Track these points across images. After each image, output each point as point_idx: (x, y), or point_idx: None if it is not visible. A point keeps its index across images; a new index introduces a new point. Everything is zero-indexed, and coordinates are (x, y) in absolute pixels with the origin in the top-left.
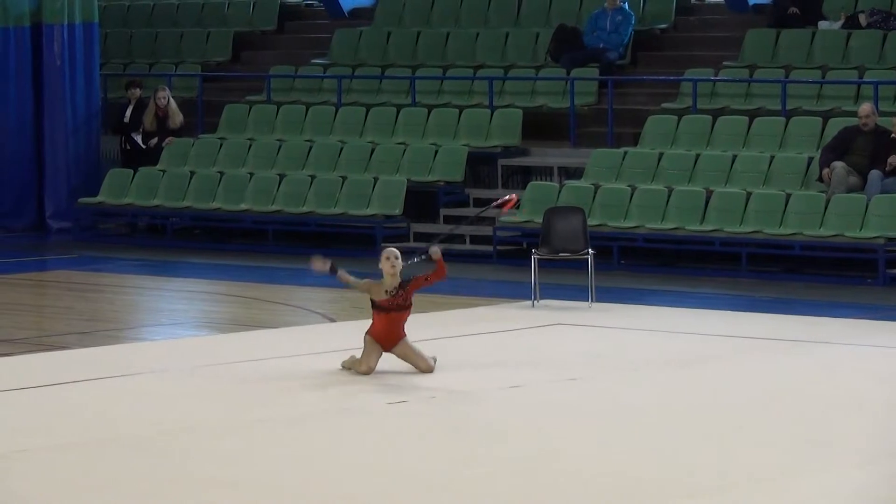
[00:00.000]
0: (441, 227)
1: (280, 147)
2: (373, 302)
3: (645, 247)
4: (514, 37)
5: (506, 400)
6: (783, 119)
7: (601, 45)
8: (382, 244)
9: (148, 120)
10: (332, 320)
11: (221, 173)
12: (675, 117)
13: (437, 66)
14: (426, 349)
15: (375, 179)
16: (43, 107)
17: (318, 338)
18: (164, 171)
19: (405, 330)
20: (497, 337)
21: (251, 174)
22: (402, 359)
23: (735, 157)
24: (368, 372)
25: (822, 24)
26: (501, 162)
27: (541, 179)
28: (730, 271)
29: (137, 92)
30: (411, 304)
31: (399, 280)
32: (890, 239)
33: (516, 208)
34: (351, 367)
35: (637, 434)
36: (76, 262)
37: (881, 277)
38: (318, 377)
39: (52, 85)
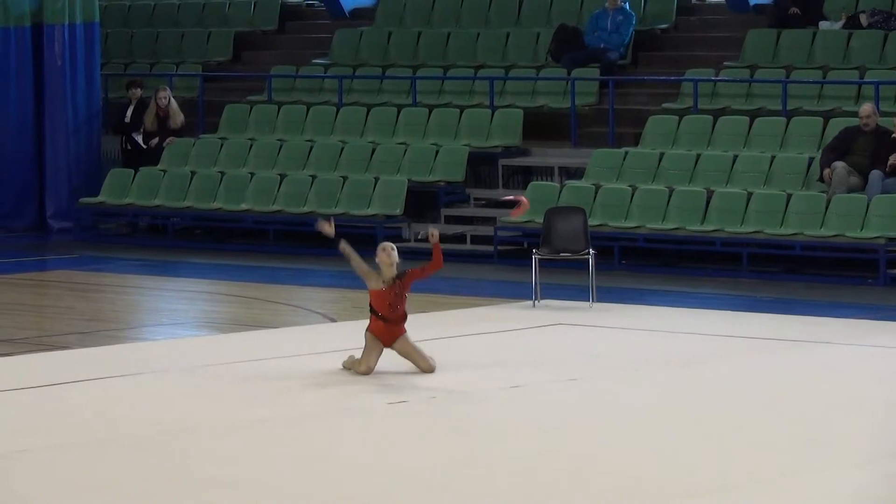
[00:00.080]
0: (443, 228)
1: (281, 147)
2: (371, 308)
3: (646, 247)
4: (514, 37)
5: (506, 400)
6: (784, 119)
7: (602, 45)
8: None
9: (149, 120)
10: (333, 320)
11: (222, 173)
12: (676, 117)
13: (437, 66)
14: (426, 349)
15: (376, 179)
16: (44, 107)
17: (318, 338)
18: (164, 171)
19: (405, 326)
20: (498, 337)
21: (252, 174)
22: (403, 356)
23: (736, 157)
24: (368, 372)
25: (823, 25)
26: (502, 162)
27: (541, 179)
28: (730, 271)
29: (138, 92)
30: (406, 313)
31: (396, 272)
32: (891, 239)
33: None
34: (350, 367)
35: (637, 434)
36: (77, 262)
37: (882, 277)
38: (318, 377)
39: (52, 85)
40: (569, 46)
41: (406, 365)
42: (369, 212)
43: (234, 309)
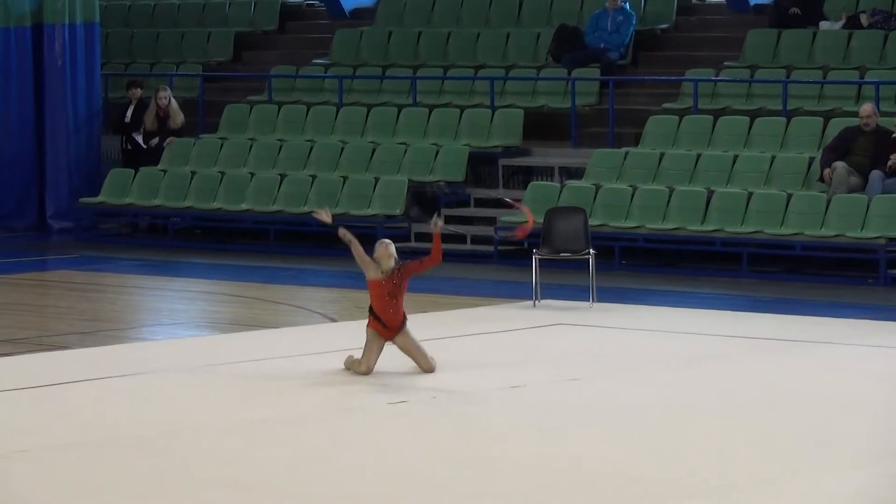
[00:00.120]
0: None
1: (281, 147)
2: (371, 311)
3: (646, 247)
4: (515, 37)
5: (507, 400)
6: (784, 119)
7: (602, 45)
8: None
9: (149, 120)
10: (333, 320)
11: (222, 173)
12: (677, 117)
13: (438, 66)
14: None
15: (376, 179)
16: (44, 107)
17: (318, 338)
18: (165, 171)
19: (406, 315)
20: (498, 337)
21: (252, 174)
22: (404, 351)
23: (736, 157)
24: (368, 372)
25: (823, 25)
26: (502, 162)
27: (542, 179)
28: (731, 271)
29: (138, 92)
30: (405, 317)
31: (394, 265)
32: (891, 239)
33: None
34: (351, 367)
35: (637, 434)
36: (77, 262)
37: (882, 278)
38: (318, 377)
39: (53, 85)
40: (569, 46)
41: (406, 365)
42: (369, 212)
43: (235, 309)
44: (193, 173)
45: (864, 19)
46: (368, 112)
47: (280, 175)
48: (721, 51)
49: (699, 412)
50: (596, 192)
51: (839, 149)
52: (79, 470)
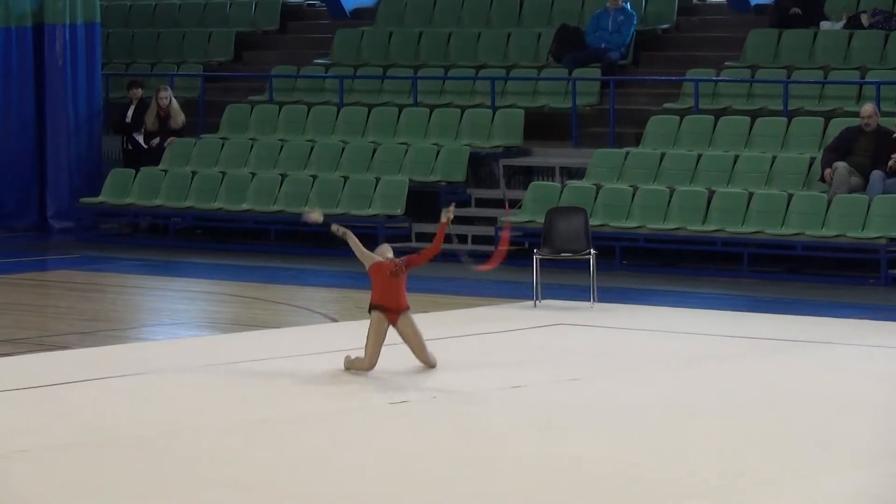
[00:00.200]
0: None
1: (282, 147)
2: (372, 305)
3: (647, 247)
4: (515, 37)
5: (507, 400)
6: (785, 119)
7: (603, 45)
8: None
9: (150, 120)
10: (334, 320)
11: (223, 173)
12: (677, 117)
13: (438, 66)
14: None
15: (377, 179)
16: (45, 107)
17: (319, 338)
18: (165, 171)
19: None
20: (498, 337)
21: (253, 174)
22: (404, 339)
23: (737, 157)
24: (371, 366)
25: (824, 25)
26: (503, 162)
27: (543, 180)
28: (731, 271)
29: (139, 92)
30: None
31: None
32: (892, 239)
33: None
34: (352, 366)
35: (638, 434)
36: (78, 262)
37: (883, 278)
38: (319, 377)
39: (53, 85)
40: (570, 46)
41: (407, 364)
42: (370, 212)
43: (235, 309)
44: (194, 173)
45: (864, 19)
46: (369, 112)
47: (281, 175)
48: (722, 51)
49: (699, 412)
50: (597, 192)
51: (840, 149)
52: (79, 470)
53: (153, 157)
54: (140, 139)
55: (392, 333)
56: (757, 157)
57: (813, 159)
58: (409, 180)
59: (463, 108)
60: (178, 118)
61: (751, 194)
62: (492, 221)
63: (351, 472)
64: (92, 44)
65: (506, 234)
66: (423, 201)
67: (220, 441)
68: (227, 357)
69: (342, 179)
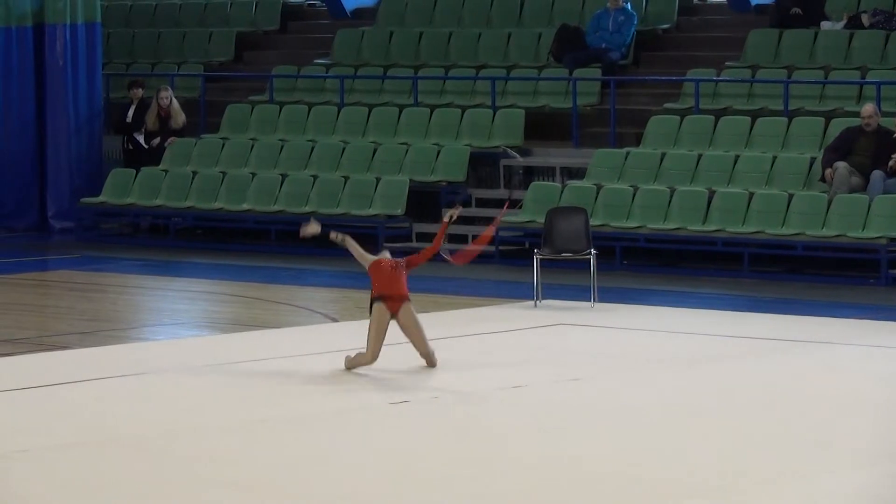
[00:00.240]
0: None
1: (282, 147)
2: (373, 298)
3: (647, 247)
4: (516, 37)
5: (508, 400)
6: (785, 119)
7: (603, 46)
8: (384, 245)
9: (150, 120)
10: (335, 320)
11: (224, 173)
12: (678, 117)
13: (439, 66)
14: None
15: (378, 179)
16: (45, 107)
17: (320, 338)
18: (166, 171)
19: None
20: (499, 337)
21: (253, 174)
22: (405, 331)
23: (737, 157)
24: (373, 359)
25: (825, 25)
26: (504, 162)
27: (543, 180)
28: (732, 271)
29: (140, 92)
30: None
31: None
32: (892, 239)
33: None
34: (353, 365)
35: (638, 434)
36: (78, 262)
37: (883, 278)
38: (319, 377)
39: (54, 85)
40: (570, 46)
41: (408, 364)
42: (371, 212)
43: (236, 309)
44: (195, 173)
45: (865, 19)
46: (370, 112)
47: (281, 175)
48: (722, 51)
49: (699, 412)
50: (597, 192)
51: (840, 149)
52: (79, 470)
53: (154, 157)
54: (141, 139)
55: (392, 334)
56: (757, 157)
57: (813, 159)
58: (410, 180)
59: (463, 108)
60: (179, 118)
61: (751, 194)
62: (492, 221)
63: (351, 472)
64: (92, 44)
65: (489, 232)
66: (424, 201)
67: (220, 441)
68: (228, 357)
69: (343, 179)
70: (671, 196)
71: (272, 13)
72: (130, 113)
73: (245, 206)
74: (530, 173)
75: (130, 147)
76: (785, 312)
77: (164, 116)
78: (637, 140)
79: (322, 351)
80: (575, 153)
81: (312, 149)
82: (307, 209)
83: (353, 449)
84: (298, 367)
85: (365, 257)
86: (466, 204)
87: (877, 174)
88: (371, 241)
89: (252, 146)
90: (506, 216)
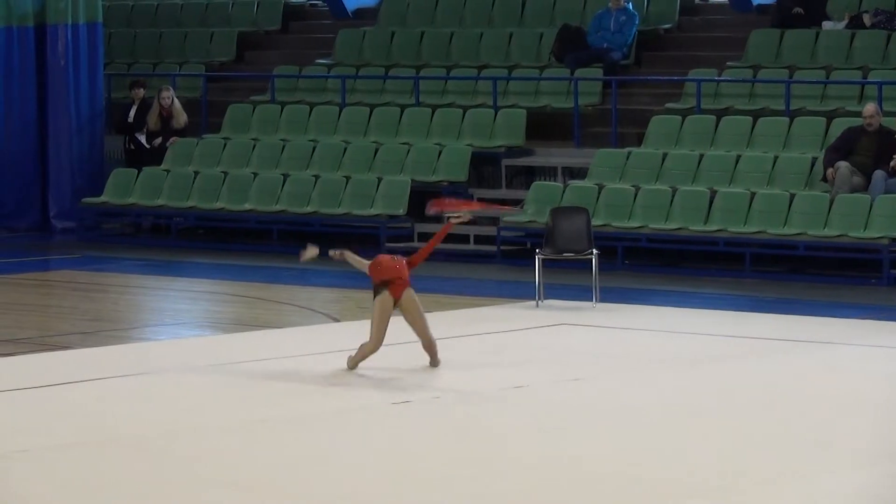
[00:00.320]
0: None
1: (284, 147)
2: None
3: (649, 247)
4: (517, 37)
5: (509, 400)
6: (787, 119)
7: (605, 45)
8: (386, 244)
9: (152, 120)
10: (336, 320)
11: (225, 173)
12: (679, 117)
13: (440, 66)
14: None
15: (379, 179)
16: (47, 107)
17: (321, 338)
18: (168, 171)
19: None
20: (501, 337)
21: (255, 174)
22: (408, 316)
23: (739, 157)
24: (376, 347)
25: (826, 25)
26: (505, 162)
27: (545, 179)
28: (733, 271)
29: (141, 92)
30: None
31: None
32: (894, 239)
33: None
34: (358, 359)
35: (638, 434)
36: (80, 262)
37: (885, 278)
38: (321, 377)
39: (55, 85)
40: (572, 46)
41: (410, 364)
42: (372, 212)
43: (238, 309)
44: (196, 173)
45: (866, 19)
46: (371, 112)
47: (283, 175)
48: (724, 51)
49: (700, 412)
50: (599, 192)
51: (842, 149)
52: (79, 470)
53: (155, 156)
54: (142, 139)
55: (392, 334)
56: (759, 156)
57: (815, 159)
58: (411, 180)
59: (465, 108)
60: (181, 118)
61: (753, 194)
62: (494, 222)
63: (351, 472)
64: (94, 44)
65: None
66: (426, 201)
67: (220, 441)
68: (229, 357)
69: (344, 179)
70: (673, 196)
71: (274, 13)
72: (132, 113)
73: (247, 206)
74: (532, 173)
75: (132, 147)
76: (786, 312)
77: (166, 116)
78: (639, 140)
79: (323, 351)
80: (576, 153)
81: (314, 149)
82: (309, 209)
83: (353, 449)
84: (300, 367)
85: (363, 263)
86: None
87: (878, 174)
88: (373, 241)
89: (254, 146)
90: (507, 216)
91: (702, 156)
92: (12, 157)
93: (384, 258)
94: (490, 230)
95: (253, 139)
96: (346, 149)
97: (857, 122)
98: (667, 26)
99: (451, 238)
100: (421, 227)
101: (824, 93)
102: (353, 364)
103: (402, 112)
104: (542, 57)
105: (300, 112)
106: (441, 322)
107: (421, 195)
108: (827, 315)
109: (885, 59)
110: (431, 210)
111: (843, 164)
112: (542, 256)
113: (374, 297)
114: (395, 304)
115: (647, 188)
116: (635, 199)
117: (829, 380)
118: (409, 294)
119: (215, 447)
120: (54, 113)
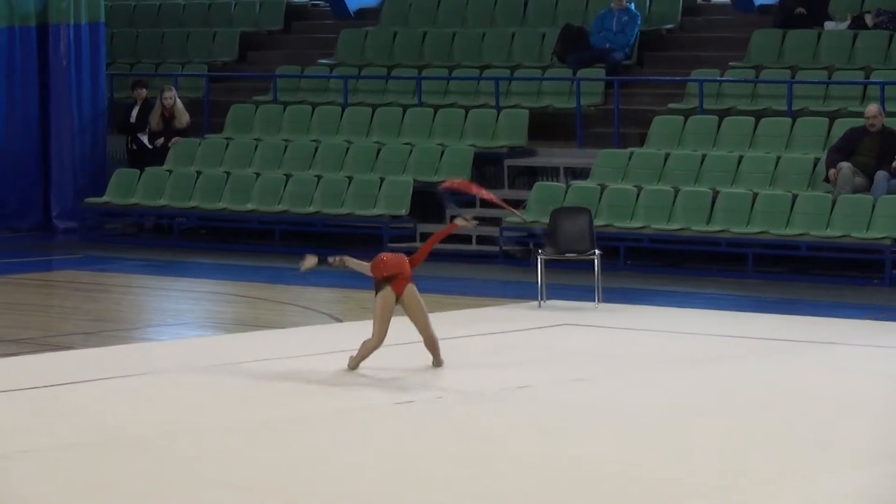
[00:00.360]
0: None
1: (286, 147)
2: (377, 283)
3: (651, 247)
4: (520, 37)
5: (511, 400)
6: (789, 120)
7: (607, 46)
8: (389, 245)
9: (154, 120)
10: (339, 320)
11: (228, 173)
12: (682, 118)
13: (443, 66)
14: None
15: (382, 179)
16: (49, 107)
17: (323, 338)
18: (170, 171)
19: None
20: (503, 337)
21: (257, 174)
22: (410, 311)
23: (741, 157)
24: (379, 343)
25: (829, 25)
26: (507, 162)
27: (547, 180)
28: (736, 272)
29: (144, 92)
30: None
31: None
32: None
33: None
34: (360, 358)
35: (639, 434)
36: (82, 263)
37: (887, 278)
38: (322, 377)
39: (58, 85)
40: (574, 46)
41: (412, 364)
42: (375, 212)
43: (240, 309)
44: (199, 173)
45: (869, 19)
46: (373, 112)
47: (285, 175)
48: (726, 51)
49: (701, 412)
50: (601, 193)
51: (844, 149)
52: (80, 470)
53: (158, 157)
54: (144, 139)
55: (393, 334)
56: (761, 157)
57: (817, 160)
58: (414, 180)
59: (467, 109)
60: (183, 118)
61: (755, 195)
62: (496, 222)
63: (352, 472)
64: (96, 44)
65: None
66: (428, 201)
67: (221, 441)
68: (231, 357)
69: (346, 179)
70: (675, 196)
71: (276, 13)
72: (134, 113)
73: (249, 206)
74: (534, 173)
75: (134, 147)
76: (789, 313)
77: (168, 116)
78: (641, 140)
79: (326, 351)
80: (579, 153)
81: (316, 149)
82: (311, 209)
83: (354, 449)
84: (301, 367)
85: (364, 265)
86: (471, 204)
87: (881, 174)
88: (375, 241)
89: (256, 146)
90: (509, 217)
91: (704, 156)
92: (14, 157)
93: (385, 255)
94: (493, 230)
95: (255, 139)
96: (348, 149)
97: (859, 122)
98: (669, 26)
99: (453, 238)
100: (423, 228)
101: (827, 93)
102: (354, 363)
103: (404, 112)
104: (544, 57)
105: (302, 112)
106: (443, 322)
107: (423, 195)
108: (829, 315)
109: (888, 59)
110: (443, 189)
111: (845, 165)
112: (545, 257)
113: (376, 293)
114: (397, 299)
115: (649, 188)
116: (637, 199)
117: (830, 380)
118: (411, 290)
119: (216, 447)
120: (56, 113)
